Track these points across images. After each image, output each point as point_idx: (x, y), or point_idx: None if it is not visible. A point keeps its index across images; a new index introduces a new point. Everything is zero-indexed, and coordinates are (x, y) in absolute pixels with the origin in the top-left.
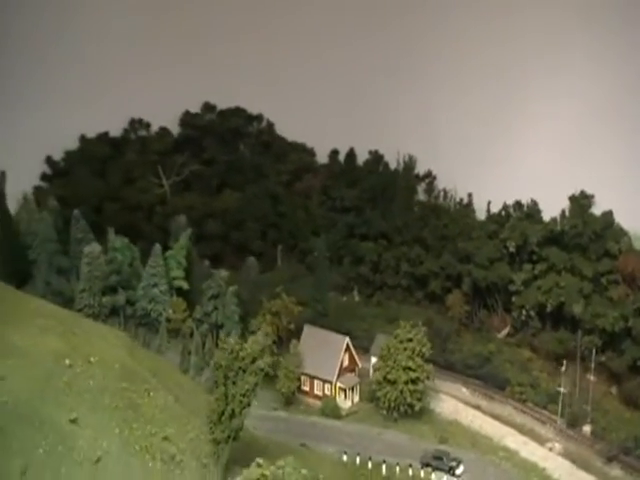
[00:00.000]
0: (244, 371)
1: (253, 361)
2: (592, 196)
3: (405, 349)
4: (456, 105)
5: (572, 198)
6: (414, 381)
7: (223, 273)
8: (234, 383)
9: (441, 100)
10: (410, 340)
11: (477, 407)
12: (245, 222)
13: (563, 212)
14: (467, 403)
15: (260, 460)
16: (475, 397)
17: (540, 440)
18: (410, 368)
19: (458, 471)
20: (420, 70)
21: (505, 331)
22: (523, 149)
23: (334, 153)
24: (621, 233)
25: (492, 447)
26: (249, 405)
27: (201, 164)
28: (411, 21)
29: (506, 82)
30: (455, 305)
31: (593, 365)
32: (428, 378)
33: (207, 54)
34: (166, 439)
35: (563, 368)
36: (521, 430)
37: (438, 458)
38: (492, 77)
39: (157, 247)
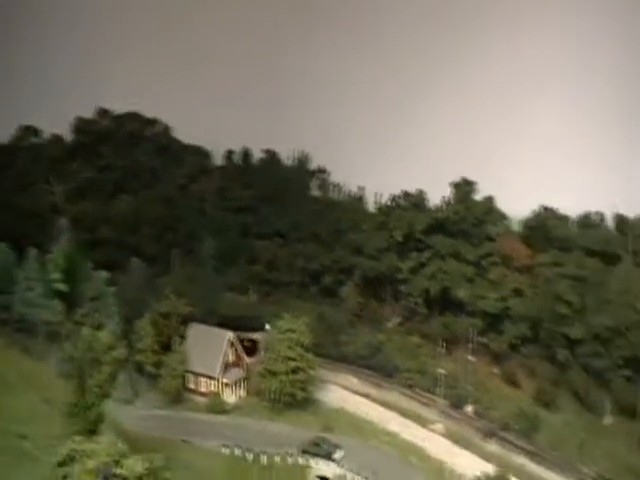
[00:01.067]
0: (99, 362)
1: (109, 351)
2: (474, 182)
3: (286, 340)
4: (349, 100)
5: (455, 185)
6: (295, 371)
7: (103, 274)
8: (90, 375)
9: (333, 96)
10: (291, 331)
11: (365, 395)
12: (139, 227)
13: (447, 199)
14: (355, 392)
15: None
16: (364, 386)
17: (423, 422)
18: (291, 358)
19: (336, 456)
20: (311, 67)
21: (396, 320)
22: (412, 140)
23: (229, 154)
24: (500, 217)
25: (375, 432)
26: (106, 396)
27: (97, 170)
28: (298, 21)
29: (394, 75)
30: (348, 298)
31: (473, 346)
32: (311, 368)
33: (101, 58)
34: (22, 437)
35: (442, 350)
36: (405, 414)
37: (316, 445)
38: (382, 72)
39: (32, 251)
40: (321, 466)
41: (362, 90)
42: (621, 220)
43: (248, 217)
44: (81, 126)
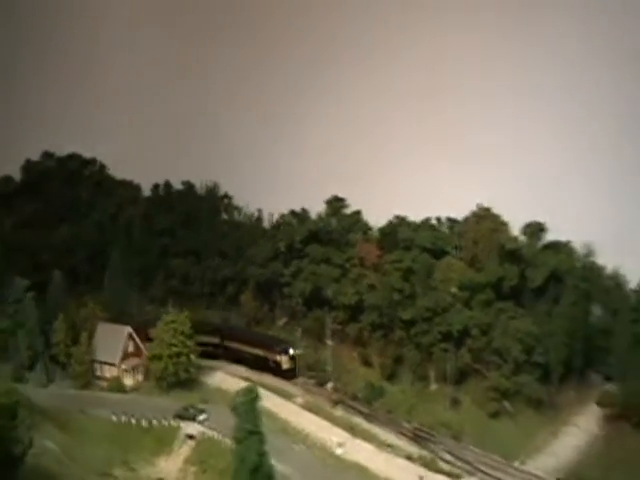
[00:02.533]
0: None
1: None
2: (344, 199)
3: (169, 329)
4: (247, 131)
5: (328, 202)
6: (177, 355)
7: (24, 282)
8: None
9: (234, 126)
10: (173, 322)
11: (245, 378)
12: (76, 251)
13: (321, 214)
14: (237, 376)
15: None
16: (247, 372)
17: (287, 396)
18: (173, 344)
19: (200, 418)
20: (218, 105)
21: (283, 320)
22: (300, 164)
23: (155, 186)
24: (365, 227)
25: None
26: None
27: (41, 204)
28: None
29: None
30: (245, 303)
31: (339, 335)
32: (192, 353)
33: (43, 105)
34: None
35: (298, 334)
36: (274, 390)
37: (186, 410)
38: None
39: None
40: (188, 426)
41: (257, 122)
42: (451, 222)
43: (167, 239)
44: (28, 167)
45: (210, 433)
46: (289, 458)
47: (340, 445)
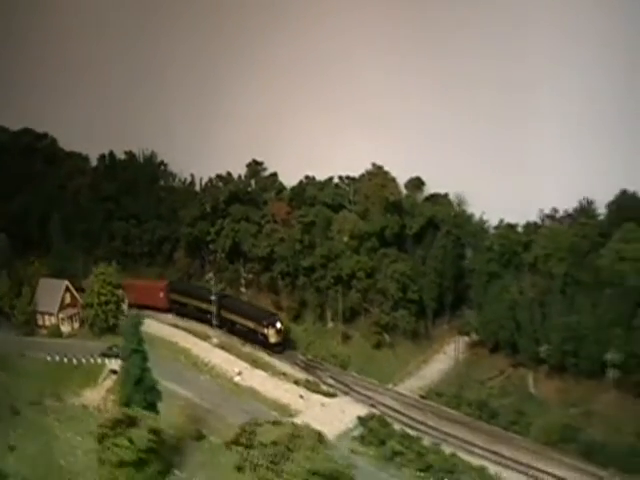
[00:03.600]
0: None
1: None
2: (262, 163)
3: (98, 280)
4: (188, 105)
5: (248, 165)
6: (107, 303)
7: None
8: None
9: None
10: (102, 274)
11: (175, 325)
12: (28, 219)
13: (239, 175)
14: (165, 322)
15: None
16: (177, 320)
17: (204, 338)
18: (102, 293)
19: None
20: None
21: (211, 273)
22: (226, 130)
23: (102, 157)
24: (280, 187)
25: (165, 343)
26: None
27: None
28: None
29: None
30: (179, 260)
31: (246, 282)
32: (120, 301)
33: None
34: None
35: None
36: (195, 334)
37: (110, 349)
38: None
39: None
40: (112, 363)
41: (191, 94)
42: (349, 180)
43: (111, 205)
44: None
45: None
46: (193, 385)
47: (239, 374)
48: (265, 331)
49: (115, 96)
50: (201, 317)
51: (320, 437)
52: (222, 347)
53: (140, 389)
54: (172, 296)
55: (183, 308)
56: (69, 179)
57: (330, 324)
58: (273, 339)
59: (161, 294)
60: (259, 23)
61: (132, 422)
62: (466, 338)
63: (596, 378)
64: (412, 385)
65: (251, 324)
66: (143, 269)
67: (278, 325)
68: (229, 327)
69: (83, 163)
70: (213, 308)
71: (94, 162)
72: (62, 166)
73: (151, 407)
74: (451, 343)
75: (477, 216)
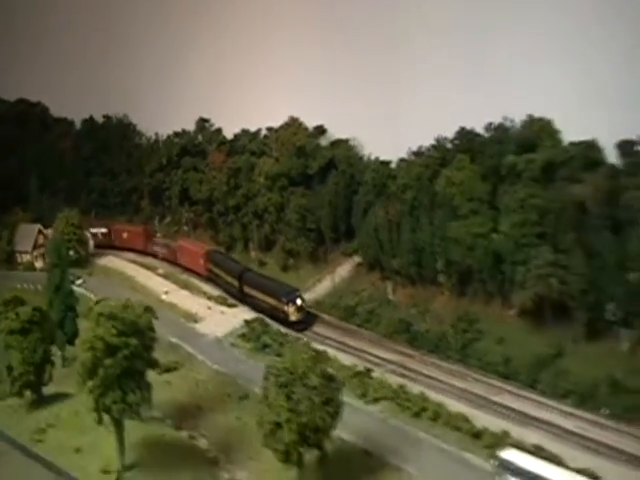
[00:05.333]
0: None
1: None
2: (209, 119)
3: (62, 222)
4: (155, 69)
5: (196, 122)
6: (69, 240)
7: None
8: None
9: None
10: (66, 217)
11: (132, 261)
12: (20, 176)
13: (183, 130)
14: (123, 258)
15: None
16: (135, 256)
17: (152, 268)
18: (65, 232)
19: (77, 282)
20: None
21: (168, 218)
22: (187, 89)
23: (84, 121)
24: (224, 140)
25: (119, 274)
26: None
27: None
28: None
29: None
30: (144, 208)
31: (187, 221)
32: (83, 241)
33: None
34: None
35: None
36: (145, 267)
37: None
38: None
39: None
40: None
41: (158, 60)
42: (271, 130)
43: (92, 163)
44: None
45: (82, 290)
46: None
47: (166, 293)
48: (285, 308)
49: (95, 65)
50: (229, 290)
51: (148, 308)
52: (163, 275)
53: (59, 295)
54: (209, 265)
55: (217, 278)
56: (57, 142)
57: (252, 253)
58: (294, 317)
59: (201, 261)
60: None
61: (22, 302)
62: (355, 259)
63: (436, 284)
64: (306, 298)
65: (271, 300)
66: (117, 217)
67: (299, 302)
68: (252, 303)
69: (69, 127)
70: (235, 282)
71: (79, 126)
72: (51, 130)
73: (70, 309)
74: (343, 265)
75: (367, 156)
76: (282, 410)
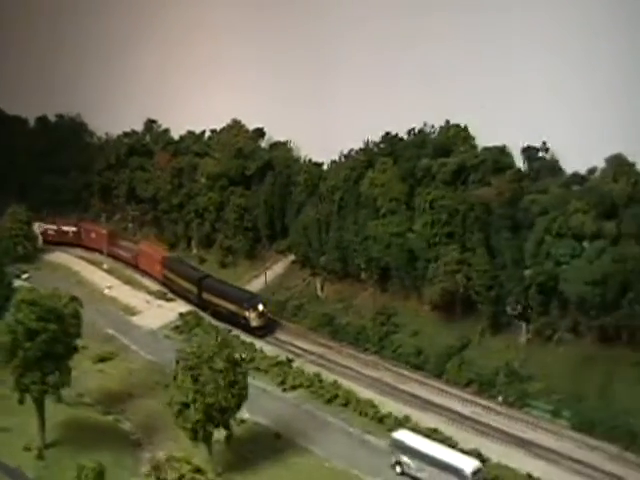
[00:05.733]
0: None
1: None
2: (156, 120)
3: (10, 218)
4: (105, 69)
5: (145, 123)
6: (16, 235)
7: None
8: None
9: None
10: (14, 212)
11: (80, 257)
12: None
13: (132, 131)
14: (71, 254)
15: None
16: (84, 252)
17: (97, 264)
18: (12, 228)
19: (23, 276)
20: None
21: (118, 215)
22: (131, 87)
23: (38, 119)
24: (170, 140)
25: (66, 269)
26: None
27: None
28: None
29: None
30: (94, 206)
31: (133, 219)
32: (31, 235)
33: None
34: None
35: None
36: (89, 260)
37: (16, 271)
38: None
39: None
40: (15, 282)
41: (107, 59)
42: (214, 132)
43: (44, 161)
44: None
45: (28, 285)
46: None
47: (109, 287)
48: (246, 314)
49: (50, 64)
50: (187, 297)
51: (73, 298)
52: (108, 270)
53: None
54: (165, 272)
55: (173, 284)
56: (9, 139)
57: (194, 250)
58: (255, 322)
59: (158, 267)
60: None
61: None
62: (290, 257)
63: (361, 281)
64: None
65: (232, 307)
66: (69, 213)
67: (260, 307)
68: (211, 310)
69: (22, 125)
70: (194, 288)
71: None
72: (5, 128)
73: (7, 300)
74: (279, 262)
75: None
76: (189, 391)
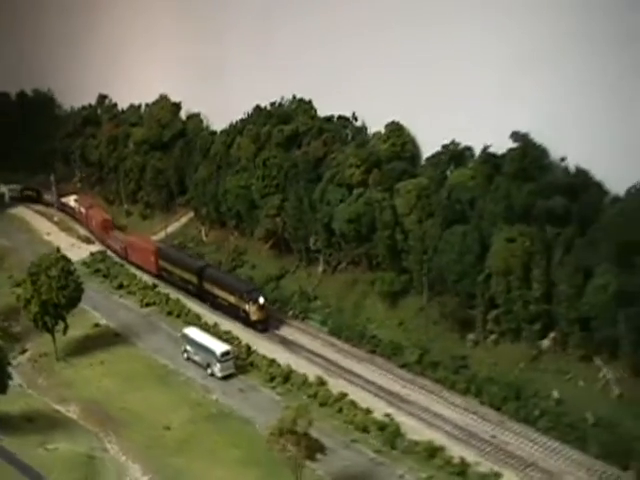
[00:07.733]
0: None
1: None
2: (107, 95)
3: None
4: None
5: (98, 97)
6: None
7: None
8: None
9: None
10: None
11: (38, 212)
12: None
13: (89, 104)
14: (33, 210)
15: None
16: (45, 209)
17: (49, 217)
18: None
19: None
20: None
21: (76, 177)
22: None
23: (18, 95)
24: (117, 112)
25: (20, 220)
26: None
27: None
28: None
29: None
30: (58, 169)
31: (80, 179)
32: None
33: None
34: None
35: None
36: (45, 215)
37: None
38: None
39: None
40: None
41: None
42: (148, 106)
43: (20, 130)
44: None
45: None
46: (14, 239)
47: (48, 234)
48: (246, 307)
49: (25, 39)
50: (186, 288)
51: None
52: (56, 222)
53: None
54: (161, 263)
55: (170, 276)
56: None
57: (125, 205)
58: (255, 316)
59: (152, 258)
60: None
61: None
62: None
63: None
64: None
65: (232, 298)
66: (39, 175)
67: (261, 300)
68: (211, 301)
69: (5, 99)
70: (194, 278)
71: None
72: None
73: None
74: (187, 215)
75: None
76: (29, 290)
